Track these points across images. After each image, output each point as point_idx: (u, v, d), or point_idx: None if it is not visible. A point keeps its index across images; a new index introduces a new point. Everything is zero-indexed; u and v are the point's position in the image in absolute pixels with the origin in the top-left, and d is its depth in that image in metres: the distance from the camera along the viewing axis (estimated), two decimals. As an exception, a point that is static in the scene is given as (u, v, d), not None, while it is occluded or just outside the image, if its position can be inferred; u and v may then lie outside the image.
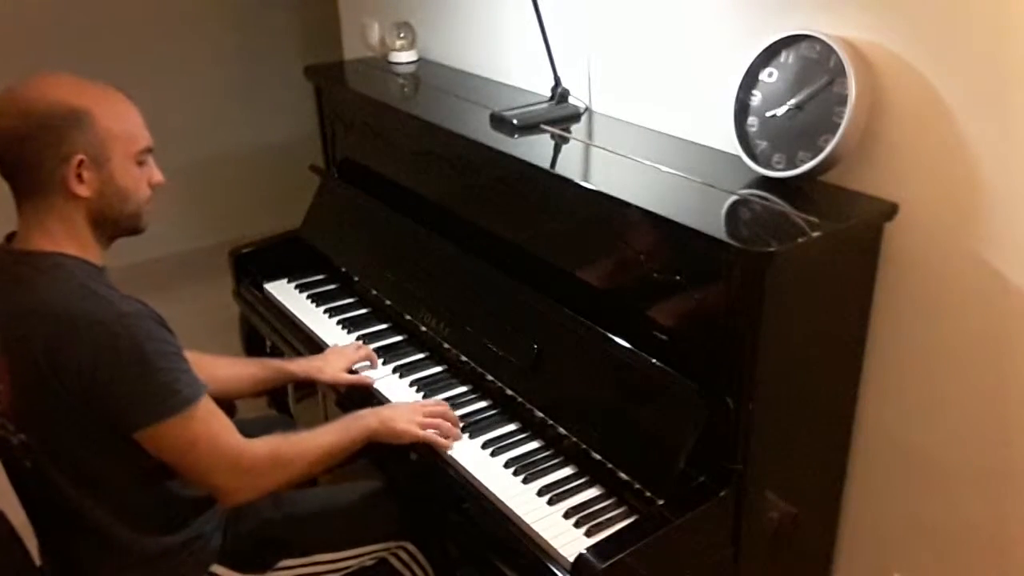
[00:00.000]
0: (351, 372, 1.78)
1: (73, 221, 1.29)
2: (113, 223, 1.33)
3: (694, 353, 1.38)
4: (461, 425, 1.61)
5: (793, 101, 1.43)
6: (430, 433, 1.54)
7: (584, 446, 1.49)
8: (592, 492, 1.45)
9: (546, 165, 1.63)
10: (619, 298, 1.51)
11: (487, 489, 1.47)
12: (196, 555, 1.42)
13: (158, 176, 1.37)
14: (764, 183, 1.46)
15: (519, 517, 1.40)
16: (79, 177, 1.26)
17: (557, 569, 1.32)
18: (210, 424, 1.30)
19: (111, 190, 1.30)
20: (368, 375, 1.77)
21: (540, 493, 1.45)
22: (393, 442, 1.53)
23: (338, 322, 1.99)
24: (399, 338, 1.91)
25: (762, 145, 1.48)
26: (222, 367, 1.70)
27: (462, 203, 1.87)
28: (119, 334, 1.21)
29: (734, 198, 1.44)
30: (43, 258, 1.27)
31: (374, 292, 2.02)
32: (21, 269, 1.27)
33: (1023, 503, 1.42)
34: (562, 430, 1.53)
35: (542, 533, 1.37)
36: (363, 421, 1.51)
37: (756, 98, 1.49)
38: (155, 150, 1.37)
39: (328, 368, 1.75)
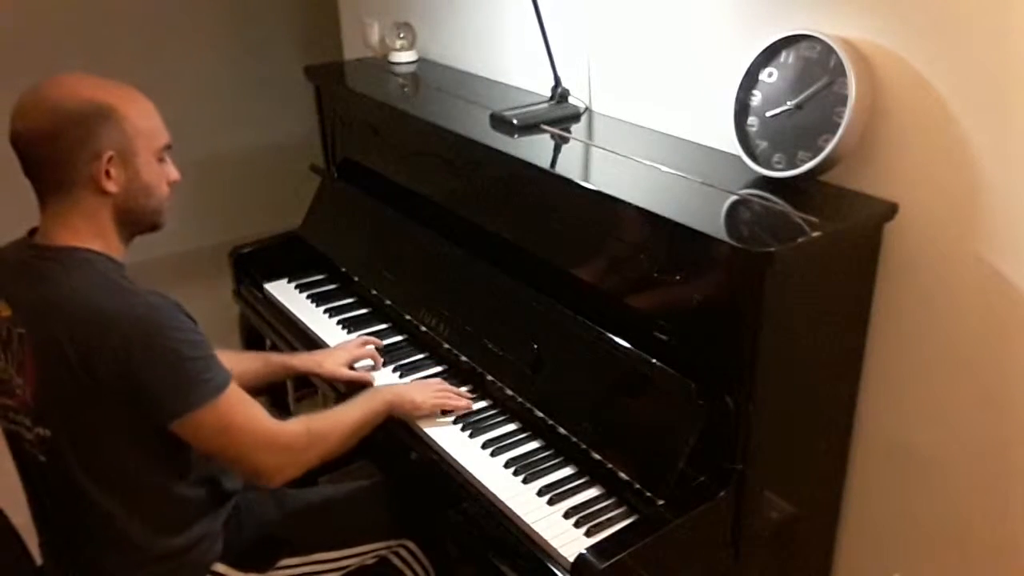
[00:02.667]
0: (352, 368, 1.78)
1: (98, 218, 1.30)
2: (137, 219, 1.35)
3: (694, 353, 1.38)
4: (470, 408, 1.65)
5: (793, 101, 1.43)
6: (443, 401, 1.62)
7: (584, 446, 1.49)
8: (592, 492, 1.45)
9: (546, 165, 1.63)
10: (619, 298, 1.51)
11: (487, 489, 1.47)
12: (200, 555, 1.42)
13: (175, 173, 1.39)
14: (764, 183, 1.46)
15: (519, 517, 1.40)
16: (107, 174, 1.28)
17: (557, 569, 1.32)
18: (243, 408, 1.33)
19: (137, 186, 1.32)
20: (368, 373, 1.77)
21: (540, 493, 1.45)
22: (411, 414, 1.60)
23: (338, 322, 1.99)
24: (399, 338, 1.91)
25: (762, 145, 1.48)
26: (227, 362, 1.69)
27: (462, 203, 1.87)
28: (150, 327, 1.23)
29: (734, 198, 1.44)
30: (70, 253, 1.29)
31: (374, 292, 2.02)
32: (48, 264, 1.28)
33: (1022, 503, 1.42)
34: (562, 430, 1.53)
35: (542, 533, 1.37)
36: (381, 395, 1.58)
37: (756, 98, 1.49)
38: (161, 148, 1.37)
39: (327, 363, 1.75)
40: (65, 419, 1.29)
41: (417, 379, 1.76)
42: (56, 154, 1.26)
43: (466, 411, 1.64)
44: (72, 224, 1.30)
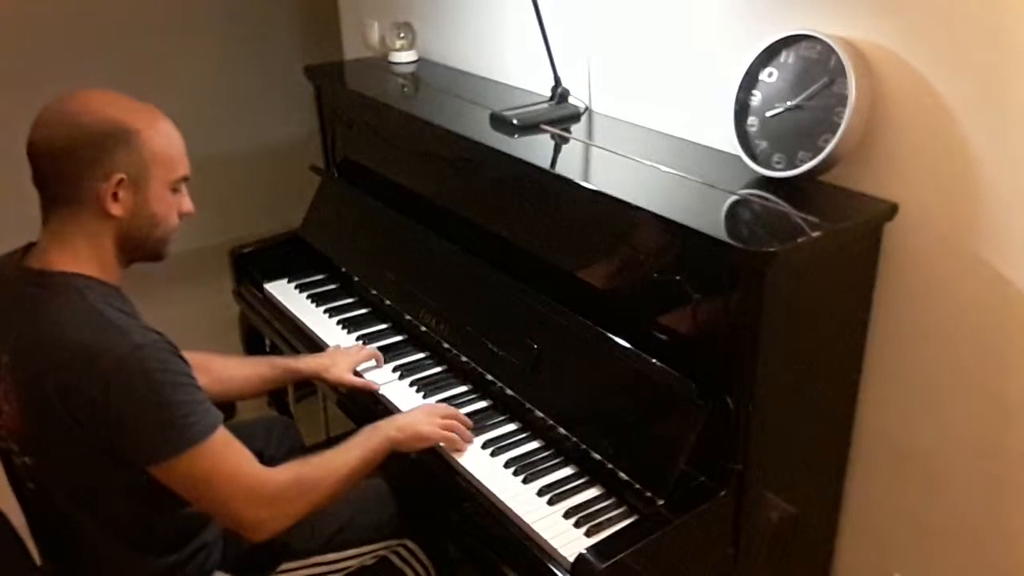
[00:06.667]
0: (356, 373, 1.77)
1: (98, 239, 1.27)
2: (138, 246, 1.31)
3: (694, 353, 1.38)
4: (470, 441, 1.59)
5: (793, 101, 1.43)
6: (451, 435, 1.53)
7: (584, 446, 1.49)
8: (592, 492, 1.45)
9: (546, 165, 1.63)
10: (619, 298, 1.51)
11: (487, 489, 1.47)
12: (198, 566, 1.41)
13: (189, 205, 1.36)
14: (764, 183, 1.46)
15: (519, 517, 1.40)
16: (115, 196, 1.24)
17: (557, 569, 1.32)
18: (227, 455, 1.26)
19: (143, 213, 1.28)
20: (373, 377, 1.77)
21: (540, 493, 1.45)
22: (417, 447, 1.51)
23: (338, 322, 1.99)
24: (399, 338, 1.91)
25: (762, 145, 1.48)
26: (232, 368, 1.69)
27: (462, 203, 1.87)
28: (132, 367, 1.18)
29: (734, 198, 1.44)
30: (60, 279, 1.24)
31: (374, 292, 2.02)
32: (37, 291, 1.24)
33: (1022, 503, 1.42)
34: (562, 430, 1.53)
35: (542, 533, 1.37)
36: (382, 432, 1.47)
37: (756, 98, 1.49)
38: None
39: (335, 368, 1.75)
40: (48, 451, 1.27)
41: (417, 379, 1.76)
42: (67, 169, 1.22)
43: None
44: (71, 243, 1.26)
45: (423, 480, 1.61)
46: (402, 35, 2.38)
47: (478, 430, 1.60)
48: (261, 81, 3.79)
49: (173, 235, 1.35)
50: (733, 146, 1.51)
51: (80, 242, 1.26)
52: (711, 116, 1.63)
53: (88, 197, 1.24)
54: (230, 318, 2.33)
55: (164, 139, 1.29)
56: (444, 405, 1.63)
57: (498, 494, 1.45)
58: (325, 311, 2.04)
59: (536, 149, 1.72)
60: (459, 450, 1.54)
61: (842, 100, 1.35)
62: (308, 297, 2.10)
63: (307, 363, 1.78)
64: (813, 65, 1.40)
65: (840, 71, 1.35)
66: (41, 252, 1.28)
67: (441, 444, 1.54)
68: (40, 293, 1.24)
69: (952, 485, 1.50)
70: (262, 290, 2.16)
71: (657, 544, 1.27)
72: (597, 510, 1.41)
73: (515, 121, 1.78)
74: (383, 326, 1.96)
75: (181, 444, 1.21)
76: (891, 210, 1.40)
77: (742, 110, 1.50)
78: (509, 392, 1.64)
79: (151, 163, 1.26)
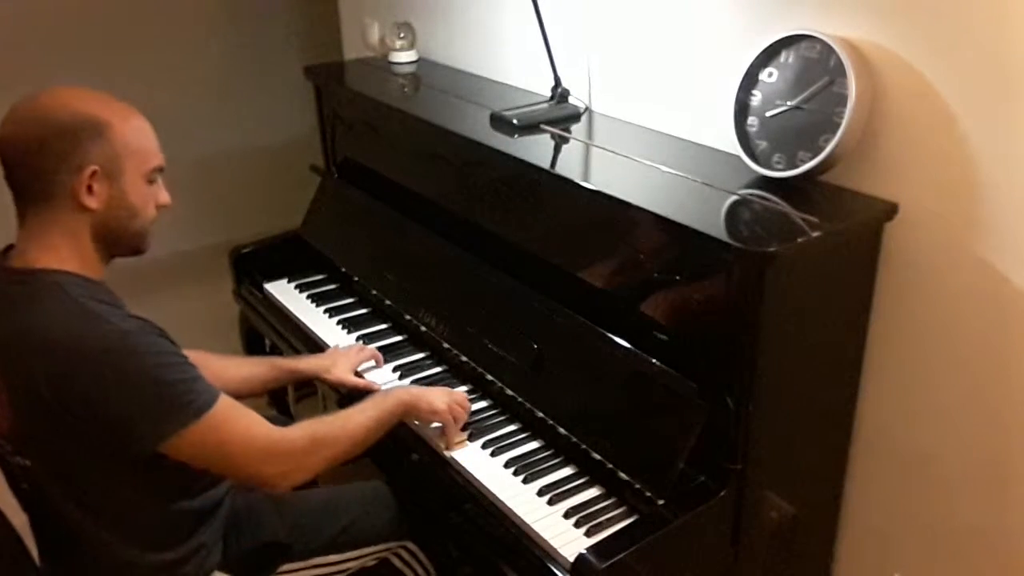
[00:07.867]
0: (357, 374, 1.77)
1: (76, 234, 1.26)
2: (117, 239, 1.31)
3: (694, 353, 1.38)
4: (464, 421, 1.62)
5: (793, 101, 1.43)
6: (452, 420, 1.55)
7: (584, 446, 1.49)
8: (592, 492, 1.45)
9: (546, 165, 1.63)
10: (619, 298, 1.51)
11: (487, 489, 1.47)
12: (198, 565, 1.40)
13: (165, 197, 1.35)
14: (764, 183, 1.46)
15: (519, 517, 1.40)
16: (89, 189, 1.24)
17: (557, 569, 1.32)
18: (236, 422, 1.29)
19: (120, 205, 1.28)
20: (373, 378, 1.77)
21: (540, 493, 1.45)
22: (425, 416, 1.55)
23: (338, 322, 1.99)
24: (399, 338, 1.91)
25: (762, 145, 1.48)
26: (231, 368, 1.69)
27: (462, 203, 1.87)
28: (123, 355, 1.19)
29: (734, 198, 1.44)
30: (40, 276, 1.24)
31: (374, 292, 2.02)
32: (17, 290, 1.24)
33: (1022, 502, 1.42)
34: (562, 430, 1.53)
35: (542, 533, 1.37)
36: (395, 395, 1.52)
37: (756, 98, 1.49)
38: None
39: (335, 369, 1.74)
40: (43, 450, 1.27)
41: (418, 379, 1.76)
42: (40, 164, 1.22)
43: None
44: (49, 240, 1.25)
45: (424, 482, 1.61)
46: (402, 35, 2.38)
47: (479, 430, 1.60)
48: (261, 81, 3.78)
49: (151, 227, 1.34)
50: (733, 146, 1.51)
51: (58, 239, 1.26)
52: (711, 116, 1.63)
53: (63, 192, 1.24)
54: (230, 318, 2.33)
55: (136, 131, 1.29)
56: (460, 392, 1.64)
57: (498, 494, 1.45)
58: (325, 311, 2.04)
59: (536, 149, 1.72)
60: (449, 440, 1.55)
61: (842, 100, 1.35)
62: (308, 297, 2.10)
63: (307, 364, 1.77)
64: (813, 65, 1.40)
65: (840, 71, 1.35)
66: (21, 252, 1.27)
67: (439, 425, 1.56)
68: (23, 291, 1.23)
69: (952, 485, 1.50)
70: (262, 290, 2.16)
71: (657, 544, 1.27)
72: (597, 510, 1.41)
73: (515, 121, 1.78)
74: (383, 326, 1.96)
75: (183, 421, 1.22)
76: (891, 210, 1.40)
77: (742, 110, 1.50)
78: (509, 392, 1.64)
79: (124, 155, 1.26)
